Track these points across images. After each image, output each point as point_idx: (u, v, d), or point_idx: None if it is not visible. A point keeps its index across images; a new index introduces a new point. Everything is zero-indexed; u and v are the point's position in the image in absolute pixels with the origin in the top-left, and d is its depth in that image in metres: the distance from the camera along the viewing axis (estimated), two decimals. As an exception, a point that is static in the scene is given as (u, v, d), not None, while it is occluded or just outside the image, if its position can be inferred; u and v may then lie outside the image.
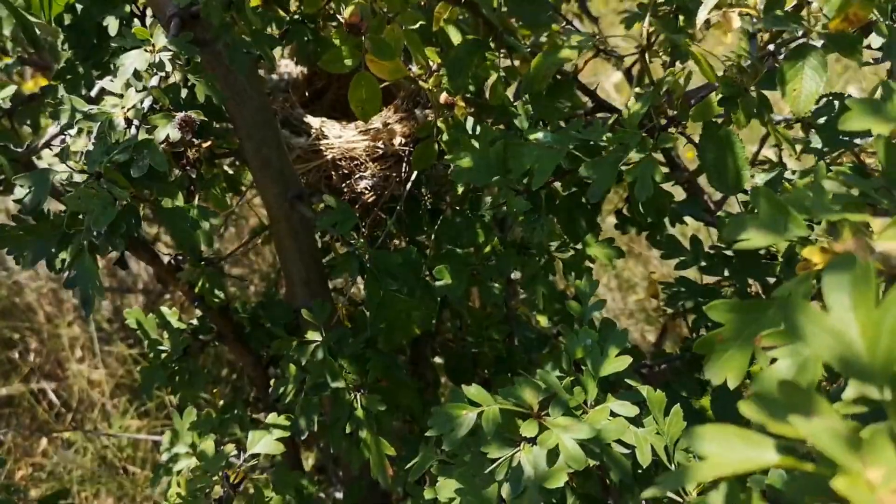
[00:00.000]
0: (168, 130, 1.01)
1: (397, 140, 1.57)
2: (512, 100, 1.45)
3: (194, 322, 1.53)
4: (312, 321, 1.37)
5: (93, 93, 1.26)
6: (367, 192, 1.58)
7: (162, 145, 1.02)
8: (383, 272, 1.26)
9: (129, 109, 1.01)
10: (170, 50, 1.10)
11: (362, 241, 1.26)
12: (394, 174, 1.59)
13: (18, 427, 2.88)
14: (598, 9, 3.28)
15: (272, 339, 1.56)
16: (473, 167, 1.15)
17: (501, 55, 1.39)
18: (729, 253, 1.39)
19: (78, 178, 0.95)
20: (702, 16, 1.09)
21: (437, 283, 1.36)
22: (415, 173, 1.57)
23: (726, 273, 1.38)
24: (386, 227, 1.55)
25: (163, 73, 1.08)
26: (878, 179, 0.75)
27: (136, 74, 1.07)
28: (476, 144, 1.17)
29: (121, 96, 1.07)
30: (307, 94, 1.79)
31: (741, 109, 1.07)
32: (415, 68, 1.42)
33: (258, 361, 1.58)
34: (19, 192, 1.29)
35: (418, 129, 1.46)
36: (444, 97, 1.37)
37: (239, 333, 1.53)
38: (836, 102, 1.14)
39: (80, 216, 0.93)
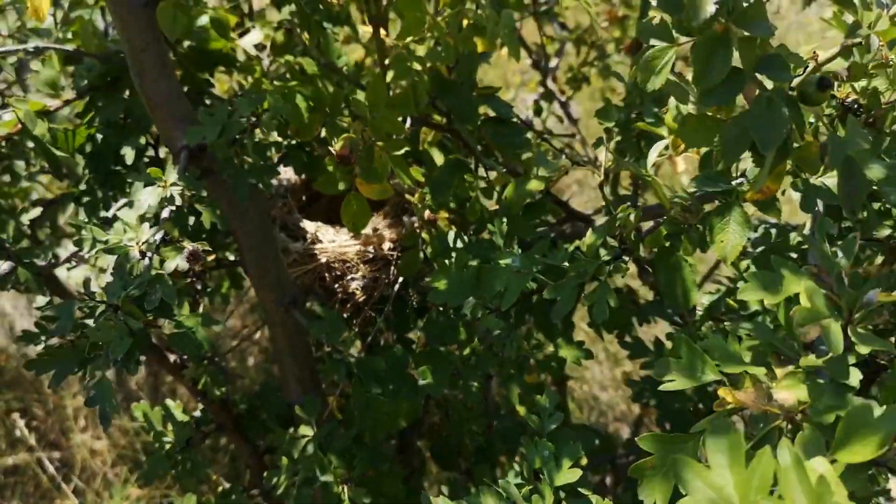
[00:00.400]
0: (177, 262, 1.14)
1: (386, 245, 1.71)
2: (491, 210, 1.60)
3: (197, 413, 1.65)
4: (305, 417, 1.49)
5: (110, 213, 1.41)
6: (358, 292, 1.71)
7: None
8: (369, 376, 1.39)
9: (143, 243, 1.15)
10: (180, 185, 1.24)
11: (349, 348, 1.39)
12: (383, 276, 1.72)
13: (23, 495, 2.97)
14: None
15: (268, 430, 1.68)
16: (449, 289, 1.28)
17: (480, 174, 1.54)
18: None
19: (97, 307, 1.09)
20: (651, 158, 1.24)
21: (421, 383, 1.48)
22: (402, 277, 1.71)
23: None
24: (376, 325, 1.69)
25: (173, 207, 1.22)
26: (781, 331, 0.88)
27: (150, 210, 1.21)
28: (452, 267, 1.31)
29: (135, 226, 1.21)
30: (304, 198, 1.93)
31: (687, 242, 1.21)
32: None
33: (255, 450, 1.69)
34: (41, 300, 1.43)
35: (405, 238, 1.59)
36: (427, 214, 1.51)
37: (238, 424, 1.65)
38: (773, 231, 1.28)
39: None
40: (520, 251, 1.32)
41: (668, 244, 1.28)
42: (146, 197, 1.21)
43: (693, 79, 0.87)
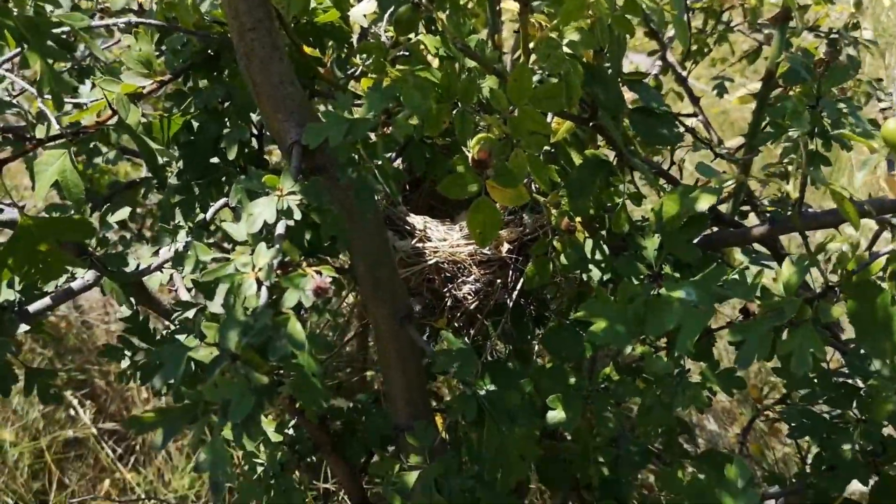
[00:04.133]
0: (300, 297, 0.95)
1: (504, 247, 1.51)
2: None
3: (290, 431, 1.49)
4: (417, 445, 1.32)
5: (208, 214, 1.22)
6: (469, 297, 1.52)
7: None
8: (501, 413, 1.20)
9: (259, 269, 0.96)
10: (297, 193, 1.04)
11: (481, 381, 1.20)
12: (498, 279, 1.53)
13: (83, 468, 2.87)
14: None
15: (367, 448, 1.51)
16: (610, 328, 1.08)
17: (626, 178, 1.33)
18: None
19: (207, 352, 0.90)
20: (860, 178, 1.02)
21: (550, 415, 1.30)
22: (520, 280, 1.51)
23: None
24: (491, 339, 1.50)
25: (291, 222, 1.03)
26: None
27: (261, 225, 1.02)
28: (609, 299, 1.11)
29: (247, 246, 1.02)
30: (406, 185, 1.74)
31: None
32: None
33: (353, 472, 1.53)
34: (124, 311, 1.26)
35: (535, 247, 1.39)
36: (565, 222, 1.31)
37: (335, 444, 1.49)
38: None
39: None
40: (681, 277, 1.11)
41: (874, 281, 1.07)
42: (262, 210, 1.02)
43: None
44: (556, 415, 1.30)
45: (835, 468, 1.31)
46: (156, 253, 1.27)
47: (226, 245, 1.60)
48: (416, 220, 1.57)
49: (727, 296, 1.07)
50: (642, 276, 1.27)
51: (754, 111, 1.87)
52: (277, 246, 0.99)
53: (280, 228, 1.03)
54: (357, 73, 1.34)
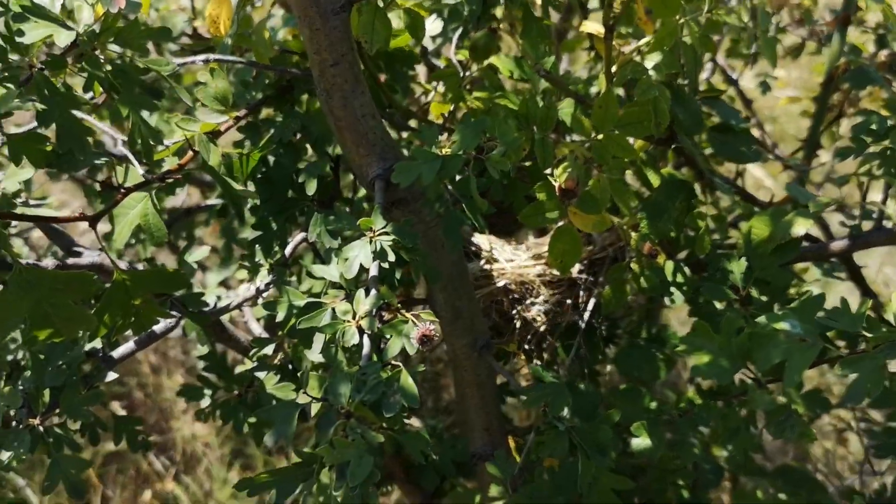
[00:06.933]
0: (404, 344, 0.93)
1: (574, 267, 1.48)
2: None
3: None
4: (498, 476, 1.29)
5: (287, 250, 1.20)
6: (539, 318, 1.49)
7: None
8: (592, 447, 1.18)
9: (361, 318, 0.93)
10: (390, 233, 1.02)
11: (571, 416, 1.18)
12: (567, 300, 1.50)
13: (124, 481, 2.86)
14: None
15: (441, 475, 1.49)
16: (714, 363, 1.05)
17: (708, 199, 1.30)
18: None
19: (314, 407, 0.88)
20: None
21: (634, 442, 1.27)
22: (591, 301, 1.48)
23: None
24: (566, 362, 1.47)
25: (385, 264, 1.00)
26: None
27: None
28: (711, 332, 1.07)
29: (342, 288, 1.00)
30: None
31: None
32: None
33: (424, 497, 1.51)
34: (200, 350, 1.23)
35: (611, 272, 1.36)
36: (647, 247, 1.28)
37: (408, 472, 1.46)
38: None
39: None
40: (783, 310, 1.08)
41: None
42: (357, 253, 0.99)
43: None
44: (640, 442, 1.27)
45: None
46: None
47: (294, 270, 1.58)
48: (482, 241, 1.54)
49: (831, 327, 1.04)
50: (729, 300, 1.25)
51: (814, 114, 1.83)
52: (375, 291, 0.96)
53: (374, 270, 1.00)
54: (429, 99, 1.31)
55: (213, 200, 1.72)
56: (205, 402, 1.26)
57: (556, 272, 1.47)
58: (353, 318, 0.94)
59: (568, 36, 1.85)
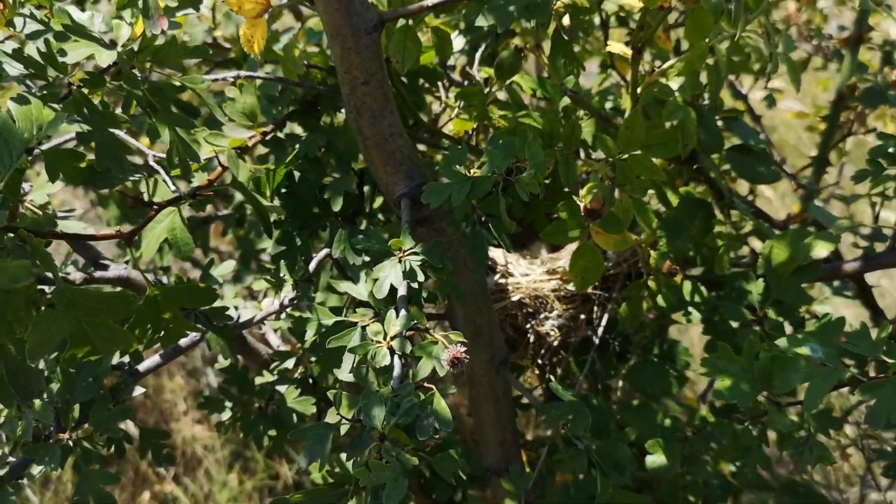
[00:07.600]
0: (434, 365, 0.94)
1: (589, 282, 1.49)
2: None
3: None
4: (513, 490, 1.30)
5: (311, 266, 1.20)
6: (553, 333, 1.50)
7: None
8: (609, 466, 1.19)
9: (392, 338, 0.94)
10: (419, 254, 1.02)
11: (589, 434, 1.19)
12: (581, 315, 1.51)
13: (123, 481, 2.85)
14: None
15: (454, 487, 1.50)
16: (736, 386, 1.06)
17: (727, 219, 1.31)
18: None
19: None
20: None
21: (649, 460, 1.28)
22: (605, 317, 1.49)
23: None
24: (579, 377, 1.48)
25: (415, 284, 1.01)
26: None
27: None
28: (733, 355, 1.09)
29: (373, 308, 1.01)
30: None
31: None
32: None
33: (437, 508, 1.51)
34: (221, 362, 1.24)
35: (628, 289, 1.37)
36: (667, 265, 1.29)
37: (419, 482, 1.47)
38: None
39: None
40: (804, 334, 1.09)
41: None
42: (388, 273, 1.00)
43: None
44: (655, 460, 1.28)
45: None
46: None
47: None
48: (497, 255, 1.54)
49: (852, 352, 1.06)
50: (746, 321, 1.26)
51: (823, 132, 1.85)
52: (405, 312, 0.97)
53: (403, 290, 1.01)
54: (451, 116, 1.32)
55: (226, 211, 1.73)
56: (226, 415, 1.27)
57: (570, 287, 1.48)
58: (384, 338, 0.95)
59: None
